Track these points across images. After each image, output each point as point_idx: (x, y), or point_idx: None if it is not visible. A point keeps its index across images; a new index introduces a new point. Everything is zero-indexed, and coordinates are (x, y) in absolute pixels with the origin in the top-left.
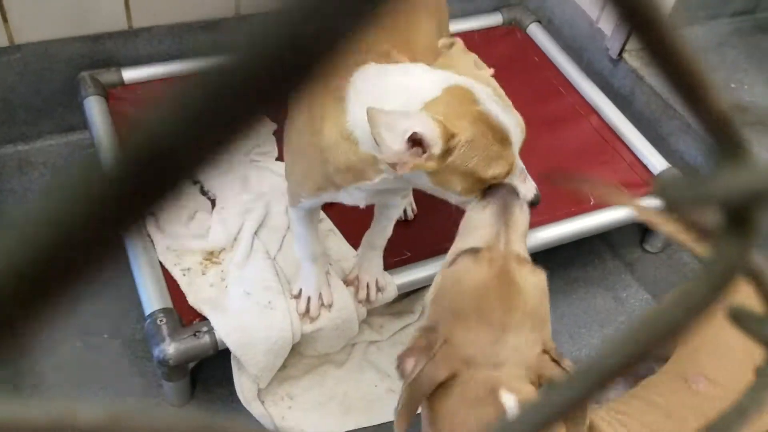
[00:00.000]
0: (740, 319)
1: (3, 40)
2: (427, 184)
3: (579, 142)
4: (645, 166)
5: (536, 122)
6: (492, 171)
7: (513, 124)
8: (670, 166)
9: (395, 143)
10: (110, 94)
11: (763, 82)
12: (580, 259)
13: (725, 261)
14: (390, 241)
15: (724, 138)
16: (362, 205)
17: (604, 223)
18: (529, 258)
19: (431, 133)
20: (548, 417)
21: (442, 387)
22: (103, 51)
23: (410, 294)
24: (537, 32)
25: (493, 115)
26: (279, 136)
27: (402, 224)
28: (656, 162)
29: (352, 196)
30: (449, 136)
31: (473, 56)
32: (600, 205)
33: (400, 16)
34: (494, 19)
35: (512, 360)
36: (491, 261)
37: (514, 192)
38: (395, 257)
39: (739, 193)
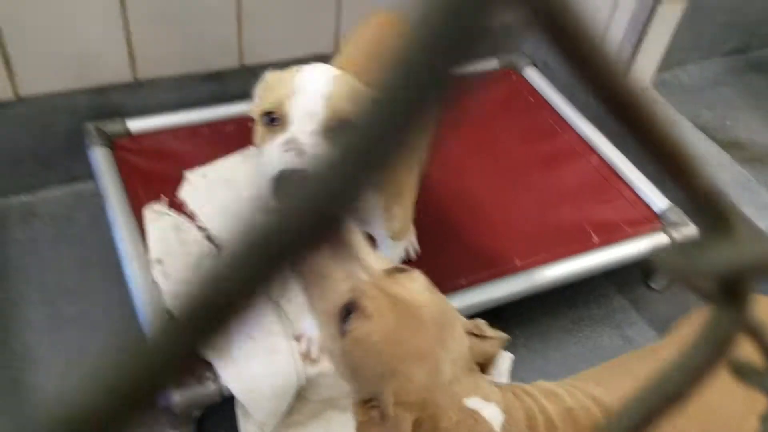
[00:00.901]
0: (742, 372)
1: (8, 93)
2: None
3: (579, 182)
4: (647, 204)
5: (534, 162)
6: None
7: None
8: (671, 204)
9: None
10: (116, 144)
11: (759, 119)
12: (585, 298)
13: (722, 327)
14: None
15: (711, 213)
16: None
17: (608, 261)
18: (392, 261)
19: None
20: None
21: None
22: (109, 102)
23: None
24: (533, 75)
25: None
26: None
27: (405, 265)
28: (657, 200)
29: None
30: None
31: None
32: (603, 243)
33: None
34: (490, 64)
35: (458, 368)
36: (372, 302)
37: None
38: None
39: (728, 267)
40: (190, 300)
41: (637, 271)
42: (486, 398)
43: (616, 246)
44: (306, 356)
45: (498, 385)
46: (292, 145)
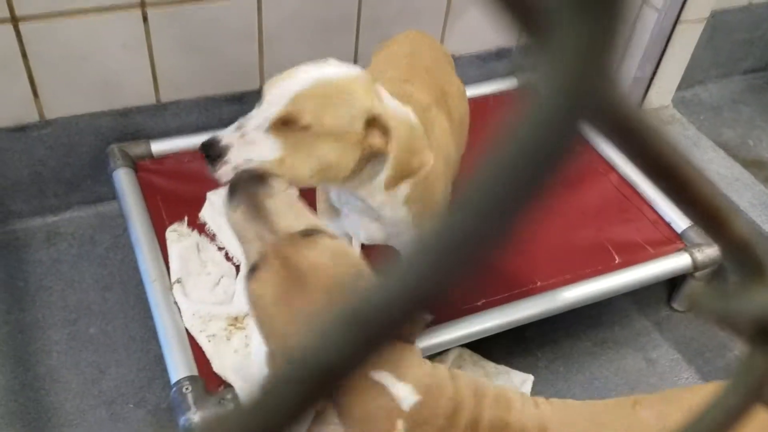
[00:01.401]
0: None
1: (33, 115)
2: None
3: (600, 201)
4: (668, 224)
5: (554, 181)
6: None
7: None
8: (693, 223)
9: None
10: (139, 165)
11: None
12: (608, 319)
13: (757, 369)
14: None
15: (747, 260)
16: (362, 239)
17: (630, 281)
18: (303, 224)
19: None
20: None
21: None
22: (132, 124)
23: (434, 356)
24: None
25: None
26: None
27: None
28: (679, 220)
29: (350, 221)
30: None
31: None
32: (625, 264)
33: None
34: (509, 84)
35: None
36: (266, 265)
37: (251, 178)
38: None
39: (763, 312)
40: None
41: (660, 292)
42: (401, 377)
43: (639, 266)
44: None
45: (436, 370)
46: (240, 127)
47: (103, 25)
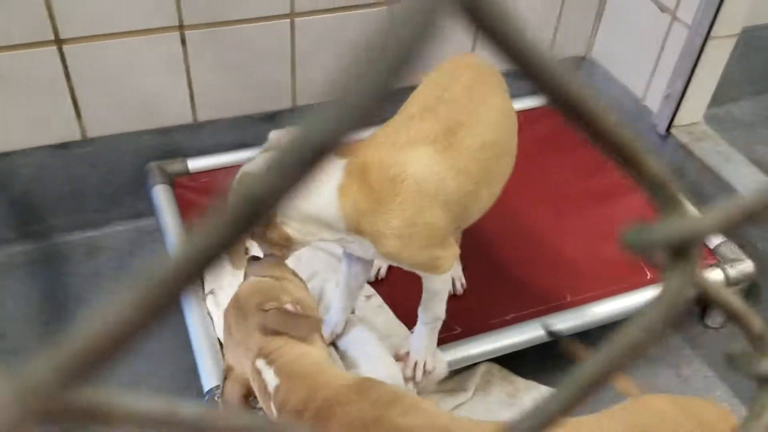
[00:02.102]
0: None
1: (76, 134)
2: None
3: (630, 216)
4: None
5: (585, 197)
6: None
7: None
8: (725, 238)
9: None
10: (176, 182)
11: None
12: None
13: (674, 286)
14: None
15: (663, 196)
16: (368, 257)
17: None
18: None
19: None
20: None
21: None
22: (170, 142)
23: (462, 371)
24: None
25: None
26: None
27: (452, 298)
28: (712, 235)
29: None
30: None
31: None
32: (657, 279)
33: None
34: (537, 101)
35: (250, 346)
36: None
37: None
38: (445, 332)
39: (678, 236)
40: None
41: (693, 308)
42: (269, 363)
43: None
44: (410, 379)
45: (308, 359)
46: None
47: (143, 47)
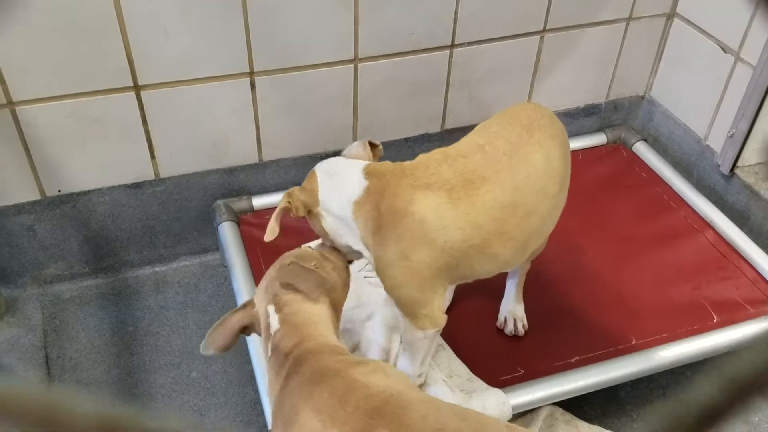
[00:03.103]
0: None
1: (150, 174)
2: None
3: (696, 258)
4: None
5: (648, 238)
6: None
7: None
8: None
9: None
10: (241, 219)
11: None
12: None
13: None
14: (501, 358)
15: None
16: None
17: (730, 341)
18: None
19: None
20: None
21: None
22: (236, 181)
23: (524, 414)
24: (643, 150)
25: None
26: None
27: (513, 340)
28: None
29: None
30: None
31: None
32: (724, 323)
33: None
34: (598, 139)
35: (269, 292)
36: None
37: None
38: (508, 374)
39: None
40: None
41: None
42: (277, 310)
43: (738, 326)
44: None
45: (304, 315)
46: None
47: (215, 92)
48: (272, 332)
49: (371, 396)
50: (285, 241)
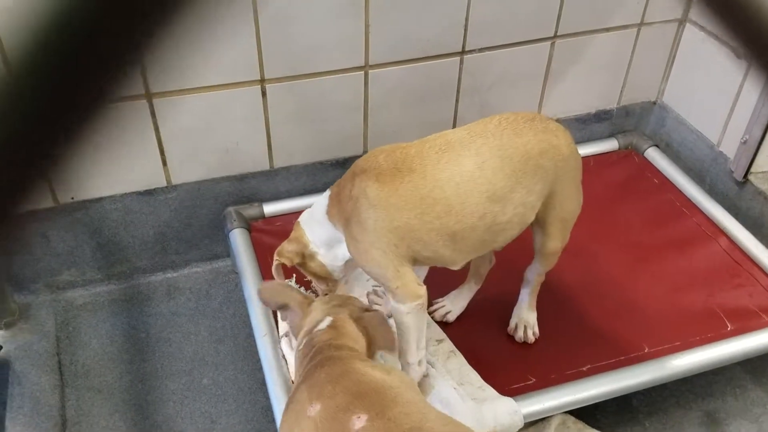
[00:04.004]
0: None
1: (161, 181)
2: None
3: (709, 265)
4: None
5: (661, 244)
6: None
7: None
8: None
9: None
10: (252, 226)
11: None
12: (720, 389)
13: None
14: (512, 366)
15: None
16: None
17: (744, 350)
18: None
19: None
20: None
21: None
22: (247, 188)
23: (536, 422)
24: (655, 156)
25: None
26: None
27: (525, 348)
28: None
29: None
30: None
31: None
32: (738, 331)
33: None
34: (610, 145)
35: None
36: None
37: None
38: (519, 383)
39: None
40: None
41: None
42: (334, 321)
43: (752, 334)
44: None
45: (329, 308)
46: None
47: (226, 100)
48: (315, 329)
49: (362, 382)
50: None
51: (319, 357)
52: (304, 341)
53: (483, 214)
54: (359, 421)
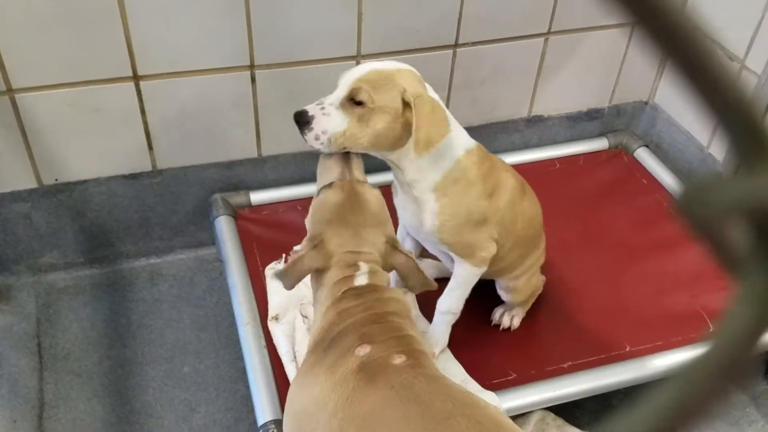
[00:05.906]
0: None
1: (147, 165)
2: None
3: (695, 267)
4: None
5: (646, 245)
6: None
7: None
8: None
9: None
10: (238, 214)
11: None
12: None
13: (760, 288)
14: (493, 360)
15: (750, 141)
16: (405, 222)
17: None
18: (367, 181)
19: None
20: None
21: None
22: (235, 176)
23: (515, 418)
24: (645, 156)
25: None
26: None
27: (506, 343)
28: None
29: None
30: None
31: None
32: None
33: None
34: (600, 144)
35: (366, 246)
36: (342, 187)
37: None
38: (500, 378)
39: None
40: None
41: (758, 365)
42: (371, 270)
43: None
44: None
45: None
46: (320, 104)
47: (215, 85)
48: (355, 282)
49: (415, 341)
50: (282, 237)
51: (370, 312)
52: (343, 290)
53: None
54: (399, 359)
